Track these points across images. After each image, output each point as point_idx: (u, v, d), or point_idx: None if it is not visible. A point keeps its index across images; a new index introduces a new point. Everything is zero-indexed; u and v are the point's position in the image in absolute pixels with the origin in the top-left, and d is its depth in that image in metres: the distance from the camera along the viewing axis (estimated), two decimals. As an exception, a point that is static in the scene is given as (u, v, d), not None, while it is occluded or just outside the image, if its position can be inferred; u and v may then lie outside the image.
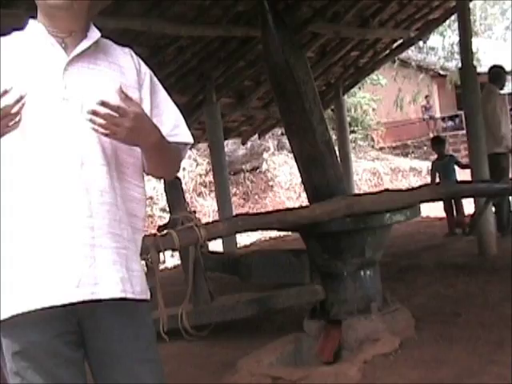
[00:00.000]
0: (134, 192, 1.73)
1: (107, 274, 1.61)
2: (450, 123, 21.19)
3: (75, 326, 1.63)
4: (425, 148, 19.91)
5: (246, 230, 3.83)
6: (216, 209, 9.75)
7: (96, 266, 1.60)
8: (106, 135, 1.57)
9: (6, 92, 1.50)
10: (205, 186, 14.65)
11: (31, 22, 1.72)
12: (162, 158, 1.73)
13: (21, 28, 1.74)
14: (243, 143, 11.01)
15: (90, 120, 1.54)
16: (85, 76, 1.66)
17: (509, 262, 5.26)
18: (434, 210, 9.66)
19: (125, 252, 1.66)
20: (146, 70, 1.78)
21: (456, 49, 18.41)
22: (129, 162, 1.69)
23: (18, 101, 1.51)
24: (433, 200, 4.37)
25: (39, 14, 1.70)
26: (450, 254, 6.57)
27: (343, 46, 8.53)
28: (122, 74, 1.71)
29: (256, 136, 10.60)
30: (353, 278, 3.98)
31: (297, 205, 13.46)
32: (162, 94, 1.80)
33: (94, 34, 1.71)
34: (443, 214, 8.30)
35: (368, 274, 4.02)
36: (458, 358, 3.47)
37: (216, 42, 7.12)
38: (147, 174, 1.78)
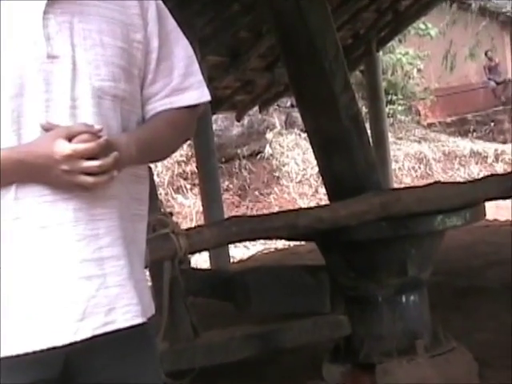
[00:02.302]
0: (141, 170, 1.78)
1: (125, 293, 1.65)
2: (527, 89, 21.15)
3: (59, 368, 1.63)
4: (491, 125, 19.91)
5: (242, 239, 3.83)
6: (201, 209, 9.76)
7: (107, 285, 1.63)
8: None
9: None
10: (185, 179, 14.63)
11: None
12: (151, 156, 1.80)
13: None
14: (238, 119, 11.00)
15: None
16: (72, 18, 1.62)
17: None
18: (503, 211, 9.66)
19: (133, 258, 1.70)
20: None
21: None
22: None
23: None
24: (503, 197, 4.34)
25: None
26: (527, 271, 6.57)
27: (377, -17, 8.55)
28: (122, 8, 1.70)
29: (256, 109, 10.59)
30: (390, 305, 3.97)
31: (312, 204, 13.47)
32: (169, 25, 1.80)
33: None
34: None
35: (412, 299, 4.01)
36: (536, 416, 3.48)
37: (200, -23, 7.12)
38: None
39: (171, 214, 3.73)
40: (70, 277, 1.59)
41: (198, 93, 1.81)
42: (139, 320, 1.66)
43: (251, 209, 14.43)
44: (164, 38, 1.76)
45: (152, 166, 6.04)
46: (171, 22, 1.80)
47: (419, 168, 16.79)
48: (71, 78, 1.61)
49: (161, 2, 1.79)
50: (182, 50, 1.80)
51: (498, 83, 21.62)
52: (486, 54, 21.74)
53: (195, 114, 1.84)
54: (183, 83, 1.78)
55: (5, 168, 1.55)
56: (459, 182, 5.63)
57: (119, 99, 1.68)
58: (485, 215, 4.30)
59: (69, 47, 1.61)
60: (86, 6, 1.64)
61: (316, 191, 14.76)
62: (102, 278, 1.62)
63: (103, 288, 1.62)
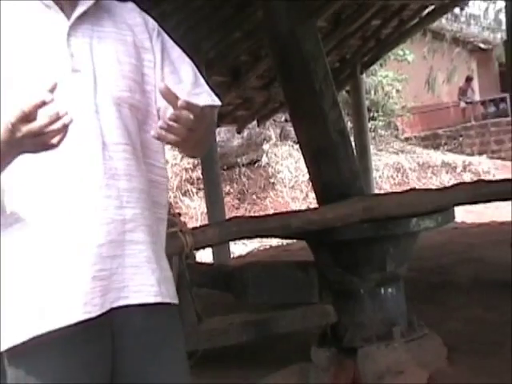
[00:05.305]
0: (156, 175, 1.76)
1: (139, 273, 1.63)
2: (492, 108, 21.15)
3: (107, 346, 1.60)
4: (460, 139, 19.92)
5: (241, 238, 3.84)
6: (205, 211, 9.76)
7: (125, 265, 1.61)
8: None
9: (43, 103, 1.39)
10: (191, 183, 14.73)
11: None
12: (202, 131, 1.63)
13: None
14: (239, 131, 11.04)
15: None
16: (91, 40, 1.67)
17: None
18: (470, 214, 9.68)
19: (156, 247, 1.69)
20: (153, 26, 1.81)
21: (502, 18, 18.40)
22: (153, 139, 1.60)
23: (57, 117, 1.41)
24: (470, 202, 4.36)
25: None
26: (491, 268, 6.56)
27: (362, 14, 8.53)
28: (133, 33, 1.75)
29: (254, 123, 10.60)
30: (371, 296, 3.99)
31: (303, 207, 13.47)
32: (176, 49, 1.83)
33: None
34: (482, 220, 8.29)
35: (390, 292, 4.03)
36: (498, 396, 3.47)
37: (207, 7, 7.09)
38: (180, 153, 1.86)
39: (179, 214, 3.76)
40: (99, 255, 1.58)
41: (207, 97, 1.77)
42: (151, 299, 1.63)
43: (249, 211, 14.49)
44: (172, 60, 1.79)
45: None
46: (176, 49, 1.83)
47: (397, 176, 16.79)
48: (93, 88, 1.64)
49: (164, 33, 1.82)
50: (188, 69, 1.80)
51: (467, 103, 21.59)
52: (467, 80, 21.54)
53: (212, 117, 1.79)
54: (195, 90, 1.76)
55: None
56: (432, 189, 5.63)
57: (135, 109, 1.69)
58: (454, 218, 4.31)
59: (90, 63, 1.65)
60: (102, 31, 1.70)
61: (307, 196, 14.81)
62: (122, 259, 1.61)
63: (121, 267, 1.60)
